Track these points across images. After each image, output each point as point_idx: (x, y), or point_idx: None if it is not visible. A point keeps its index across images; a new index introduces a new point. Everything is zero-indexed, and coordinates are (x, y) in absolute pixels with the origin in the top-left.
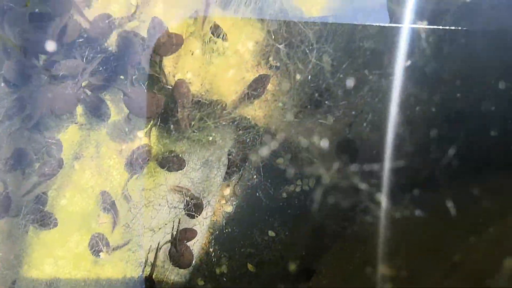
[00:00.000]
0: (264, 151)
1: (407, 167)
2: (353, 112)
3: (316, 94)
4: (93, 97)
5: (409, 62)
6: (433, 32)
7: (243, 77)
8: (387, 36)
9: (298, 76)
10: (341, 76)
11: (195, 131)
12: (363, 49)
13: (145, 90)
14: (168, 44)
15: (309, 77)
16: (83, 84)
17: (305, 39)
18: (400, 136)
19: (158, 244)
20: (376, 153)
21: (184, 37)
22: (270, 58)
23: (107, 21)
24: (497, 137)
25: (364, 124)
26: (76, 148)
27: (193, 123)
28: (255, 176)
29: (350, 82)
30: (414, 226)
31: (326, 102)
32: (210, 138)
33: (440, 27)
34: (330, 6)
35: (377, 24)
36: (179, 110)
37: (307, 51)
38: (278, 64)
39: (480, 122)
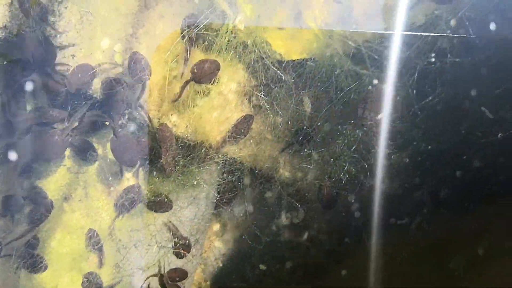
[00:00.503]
0: (252, 187)
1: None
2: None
3: (299, 136)
4: (81, 140)
5: (381, 115)
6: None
7: (227, 117)
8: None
9: (279, 119)
10: (319, 123)
11: (180, 175)
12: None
13: (131, 135)
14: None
15: (289, 122)
16: (71, 129)
17: (284, 83)
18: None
19: (148, 285)
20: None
21: (167, 81)
22: (253, 98)
23: (91, 71)
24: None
25: (341, 174)
26: (65, 190)
27: (177, 168)
28: (244, 210)
29: (327, 127)
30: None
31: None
32: (195, 182)
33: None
34: (308, 49)
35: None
36: (163, 155)
37: (286, 96)
38: (261, 104)
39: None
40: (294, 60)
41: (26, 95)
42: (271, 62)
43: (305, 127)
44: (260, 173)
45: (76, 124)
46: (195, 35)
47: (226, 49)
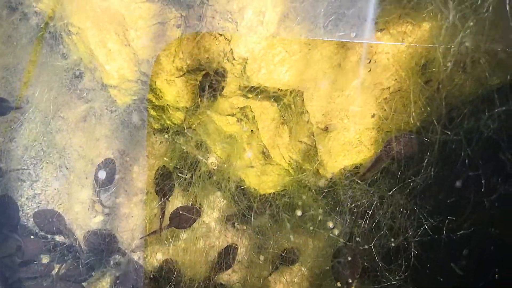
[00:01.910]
0: None
1: None
2: None
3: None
4: (71, 285)
5: None
6: None
7: (213, 246)
8: None
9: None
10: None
11: None
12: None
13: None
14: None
15: (274, 245)
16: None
17: (261, 219)
18: None
19: None
20: None
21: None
22: (236, 224)
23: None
24: None
25: None
26: None
27: None
28: None
29: None
30: None
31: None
32: None
33: None
34: (282, 183)
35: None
36: None
37: (267, 223)
38: (245, 227)
39: None
40: (268, 194)
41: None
42: (248, 194)
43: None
44: None
45: (62, 272)
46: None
47: (202, 188)
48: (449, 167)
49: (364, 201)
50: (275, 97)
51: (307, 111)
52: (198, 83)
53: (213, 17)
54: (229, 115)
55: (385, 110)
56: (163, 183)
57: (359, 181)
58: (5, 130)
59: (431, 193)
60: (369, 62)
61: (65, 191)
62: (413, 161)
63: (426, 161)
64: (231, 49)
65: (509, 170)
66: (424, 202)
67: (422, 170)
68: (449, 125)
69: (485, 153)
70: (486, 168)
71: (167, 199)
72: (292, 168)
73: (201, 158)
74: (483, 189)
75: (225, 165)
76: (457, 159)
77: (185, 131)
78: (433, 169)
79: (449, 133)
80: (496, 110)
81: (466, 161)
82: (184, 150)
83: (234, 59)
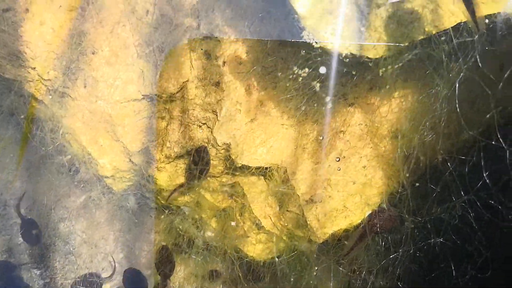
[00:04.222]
0: None
1: None
2: None
3: None
4: None
5: None
6: None
7: None
8: None
9: None
10: None
11: None
12: None
13: None
14: None
15: None
16: None
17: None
18: None
19: None
20: None
21: None
22: None
23: None
24: None
25: None
26: None
27: None
28: None
29: None
30: None
31: None
32: None
33: None
34: (277, 249)
35: None
36: None
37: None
38: None
39: None
40: (265, 261)
41: None
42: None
43: None
44: None
45: None
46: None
47: (201, 260)
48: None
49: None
50: (261, 172)
51: (292, 184)
52: (187, 166)
53: (194, 109)
54: (219, 191)
55: (365, 176)
56: (164, 264)
57: (343, 260)
58: (10, 226)
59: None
60: (344, 134)
61: (73, 275)
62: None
63: (404, 236)
64: (214, 137)
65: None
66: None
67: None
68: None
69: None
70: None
71: (169, 279)
72: (285, 235)
73: (198, 232)
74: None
75: (221, 237)
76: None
77: (181, 208)
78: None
79: (420, 219)
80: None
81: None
82: (181, 228)
83: (218, 145)
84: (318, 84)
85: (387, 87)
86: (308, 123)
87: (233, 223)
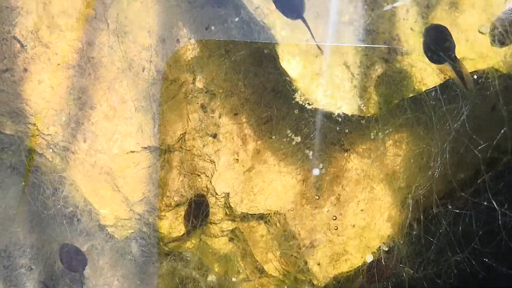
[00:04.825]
0: None
1: None
2: None
3: None
4: None
5: None
6: None
7: None
8: None
9: None
10: None
11: None
12: None
13: None
14: None
15: None
16: None
17: None
18: None
19: None
20: None
21: None
22: None
23: None
24: None
25: None
26: None
27: None
28: None
29: None
30: None
31: None
32: None
33: None
34: None
35: None
36: None
37: None
38: None
39: None
40: None
41: None
42: None
43: None
44: None
45: None
46: None
47: None
48: None
49: None
50: (261, 217)
51: (292, 230)
52: (186, 217)
53: (193, 159)
54: (220, 237)
55: (364, 219)
56: None
57: None
58: (15, 276)
59: None
60: (340, 182)
61: None
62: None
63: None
64: (213, 186)
65: None
66: None
67: None
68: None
69: None
70: None
71: None
72: (287, 279)
73: (200, 277)
74: None
75: (224, 282)
76: None
77: (183, 254)
78: None
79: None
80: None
81: None
82: (183, 274)
83: (217, 194)
84: (311, 152)
85: (380, 136)
86: (304, 170)
87: (234, 279)
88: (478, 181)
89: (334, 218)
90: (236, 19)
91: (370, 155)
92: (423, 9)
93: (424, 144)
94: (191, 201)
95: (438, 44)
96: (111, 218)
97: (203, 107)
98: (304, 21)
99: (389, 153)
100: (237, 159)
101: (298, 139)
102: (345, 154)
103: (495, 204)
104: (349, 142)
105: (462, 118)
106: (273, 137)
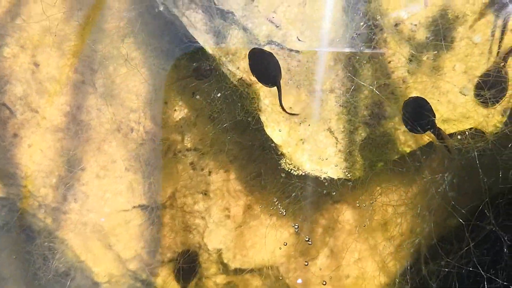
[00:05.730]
0: None
1: None
2: None
3: None
4: None
5: None
6: None
7: None
8: None
9: None
10: None
11: None
12: None
13: None
14: None
15: None
16: None
17: None
18: None
19: None
20: None
21: None
22: None
23: None
24: None
25: None
26: None
27: None
28: None
29: None
30: None
31: None
32: None
33: None
34: None
35: None
36: None
37: None
38: None
39: None
40: None
41: None
42: None
43: None
44: None
45: None
46: None
47: None
48: None
49: None
50: (255, 271)
51: (286, 283)
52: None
53: (184, 217)
54: None
55: (358, 269)
56: None
57: None
58: None
59: None
60: (333, 230)
61: None
62: None
63: None
64: (205, 243)
65: None
66: None
67: None
68: None
69: None
70: None
71: None
72: None
73: None
74: None
75: None
76: None
77: None
78: None
79: None
80: None
81: None
82: None
83: (209, 249)
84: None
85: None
86: (297, 223)
87: None
88: (462, 251)
89: (324, 283)
90: (219, 95)
91: (361, 204)
92: (404, 73)
93: (410, 206)
94: (179, 261)
95: (416, 120)
96: (104, 276)
97: (192, 165)
98: (278, 87)
99: (380, 201)
100: (228, 215)
101: (285, 204)
102: (336, 205)
103: (480, 270)
104: (339, 192)
105: (445, 182)
106: (260, 207)
